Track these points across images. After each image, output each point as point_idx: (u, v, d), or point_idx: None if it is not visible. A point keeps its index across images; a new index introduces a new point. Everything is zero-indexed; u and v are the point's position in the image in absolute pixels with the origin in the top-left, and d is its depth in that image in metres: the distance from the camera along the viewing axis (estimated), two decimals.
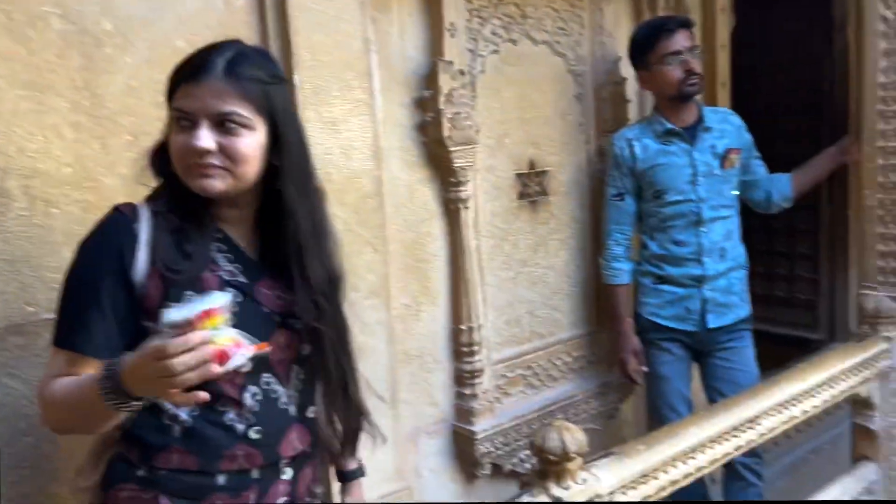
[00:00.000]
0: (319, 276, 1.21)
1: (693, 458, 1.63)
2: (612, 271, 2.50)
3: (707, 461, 1.66)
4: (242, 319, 1.05)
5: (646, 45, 2.37)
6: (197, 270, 1.11)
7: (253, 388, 1.18)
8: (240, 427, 1.16)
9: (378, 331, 2.03)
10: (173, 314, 0.93)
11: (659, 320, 2.47)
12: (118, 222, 1.10)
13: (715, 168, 2.41)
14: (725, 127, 2.47)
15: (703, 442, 1.65)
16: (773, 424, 1.85)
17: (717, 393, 2.48)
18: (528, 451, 2.42)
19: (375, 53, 2.03)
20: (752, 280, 4.27)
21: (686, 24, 2.38)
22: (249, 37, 1.72)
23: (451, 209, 2.23)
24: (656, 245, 2.45)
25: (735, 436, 1.73)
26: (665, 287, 2.45)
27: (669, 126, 2.40)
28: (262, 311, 1.19)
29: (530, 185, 2.45)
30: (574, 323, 2.63)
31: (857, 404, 2.26)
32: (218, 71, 1.07)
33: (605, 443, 2.82)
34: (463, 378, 2.29)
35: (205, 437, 1.14)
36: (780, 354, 4.06)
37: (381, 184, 2.03)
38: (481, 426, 2.27)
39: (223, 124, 1.08)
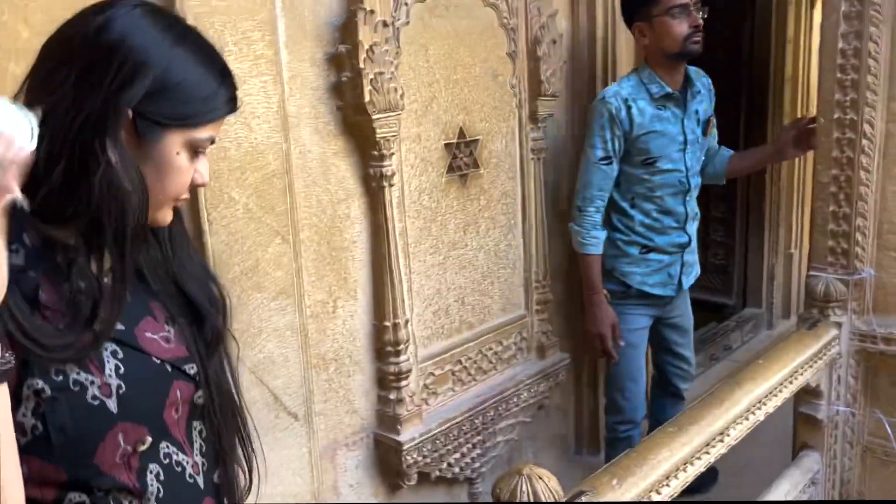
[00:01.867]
0: (202, 301, 0.95)
1: (667, 485, 1.42)
2: (592, 240, 2.33)
3: (679, 485, 1.46)
4: (130, 382, 0.80)
5: None
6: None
7: (153, 467, 0.86)
8: None
9: (288, 336, 1.70)
10: None
11: (647, 289, 2.40)
12: None
13: (699, 135, 2.37)
14: (704, 91, 2.42)
15: (677, 465, 1.44)
16: (740, 433, 1.67)
17: (674, 345, 2.59)
18: (458, 456, 2.18)
19: None
20: None
21: None
22: None
23: (373, 187, 1.89)
24: (642, 214, 2.35)
25: (707, 452, 1.54)
26: (652, 256, 2.38)
27: (668, 90, 2.28)
28: (153, 364, 0.86)
29: (460, 157, 2.14)
30: (504, 308, 2.37)
31: (804, 392, 2.13)
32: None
33: (535, 434, 2.63)
34: (387, 380, 1.99)
35: None
36: (696, 320, 4.03)
37: (290, 159, 1.67)
38: (408, 435, 2.00)
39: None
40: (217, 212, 1.53)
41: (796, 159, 3.89)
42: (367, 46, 1.75)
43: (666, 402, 2.67)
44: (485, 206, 2.24)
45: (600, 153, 2.27)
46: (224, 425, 0.97)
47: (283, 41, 1.67)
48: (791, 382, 1.91)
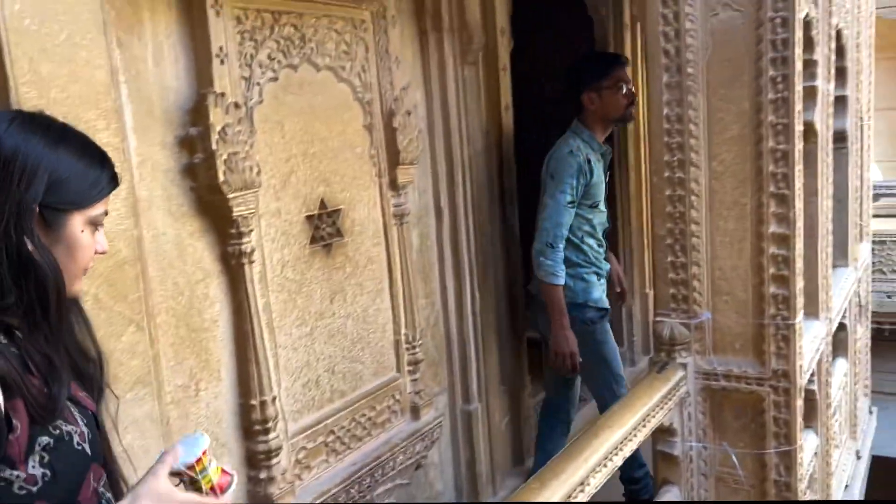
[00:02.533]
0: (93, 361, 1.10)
1: None
2: (561, 272, 2.72)
3: None
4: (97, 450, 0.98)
5: (603, 71, 2.80)
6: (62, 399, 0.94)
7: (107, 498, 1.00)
8: None
9: (148, 427, 1.65)
10: (185, 457, 0.96)
11: (605, 305, 2.90)
12: None
13: None
14: None
15: None
16: (600, 480, 1.77)
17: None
18: None
19: (126, 85, 1.64)
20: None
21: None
22: None
23: (233, 265, 1.89)
24: (589, 248, 2.84)
25: None
26: (601, 280, 2.90)
27: (605, 148, 2.89)
28: (91, 415, 1.02)
29: (322, 227, 2.17)
30: (376, 372, 2.40)
31: (660, 432, 2.28)
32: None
33: (414, 494, 2.64)
34: (256, 460, 1.96)
35: None
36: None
37: (142, 244, 1.64)
38: None
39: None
40: None
41: (644, 205, 4.19)
42: (218, 128, 1.76)
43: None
44: (351, 273, 2.28)
45: (569, 197, 2.70)
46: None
47: (132, 127, 1.66)
48: (645, 425, 2.04)
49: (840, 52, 3.03)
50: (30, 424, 0.87)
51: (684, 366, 2.30)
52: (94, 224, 1.00)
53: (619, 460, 1.86)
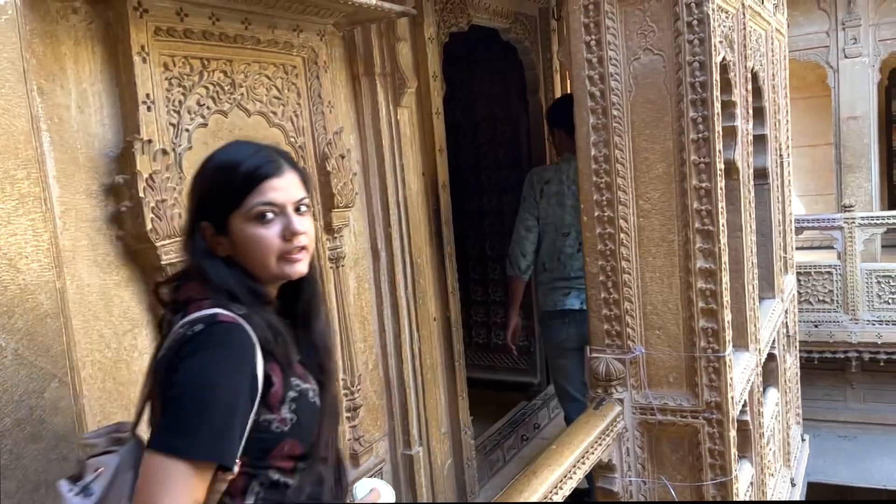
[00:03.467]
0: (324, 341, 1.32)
1: None
2: None
3: None
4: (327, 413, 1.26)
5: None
6: (295, 356, 1.24)
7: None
8: None
9: None
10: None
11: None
12: (244, 336, 1.13)
13: None
14: None
15: None
16: None
17: None
18: None
19: (48, 133, 1.60)
20: (472, 330, 4.49)
21: None
22: None
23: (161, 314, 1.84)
24: None
25: None
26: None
27: None
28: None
29: None
30: None
31: (599, 468, 2.29)
32: (287, 165, 1.23)
33: None
34: None
35: None
36: (503, 401, 4.20)
37: (65, 296, 1.59)
38: None
39: (298, 209, 1.22)
40: None
41: None
42: (146, 175, 1.73)
43: None
44: None
45: None
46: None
47: (54, 175, 1.62)
48: (584, 462, 2.05)
49: (757, 92, 3.18)
50: (283, 382, 1.16)
51: (621, 401, 2.33)
52: (260, 216, 1.17)
53: (559, 497, 1.86)
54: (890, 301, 5.90)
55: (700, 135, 2.18)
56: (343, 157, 2.42)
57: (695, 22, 2.14)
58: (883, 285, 5.91)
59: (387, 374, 2.77)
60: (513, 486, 1.78)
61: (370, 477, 2.49)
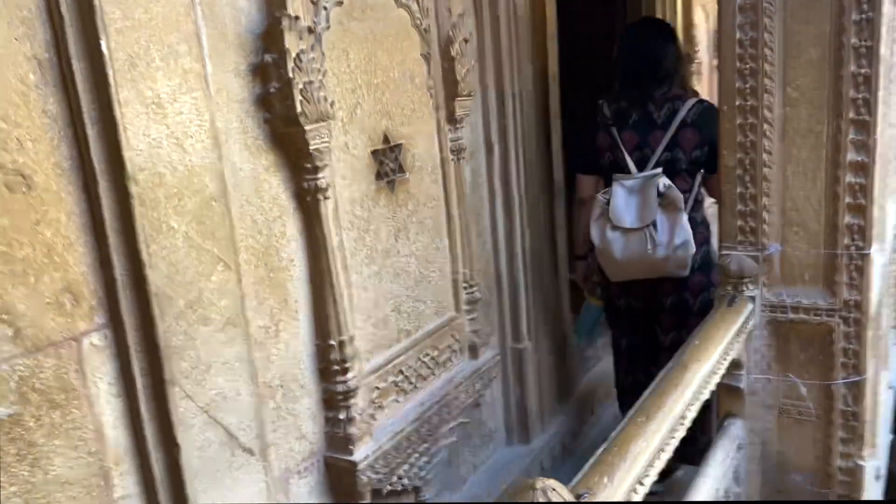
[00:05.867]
0: None
1: (648, 475, 1.45)
2: None
3: (655, 471, 1.50)
4: None
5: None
6: None
7: None
8: None
9: (238, 368, 1.59)
10: None
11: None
12: None
13: None
14: None
15: (653, 453, 1.48)
16: (693, 414, 1.74)
17: None
18: (406, 467, 2.13)
19: (200, 6, 1.52)
20: None
21: None
22: None
23: (307, 201, 1.81)
24: None
25: (672, 437, 1.59)
26: None
27: None
28: None
29: (387, 163, 2.09)
30: (437, 312, 2.35)
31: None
32: None
33: (471, 433, 2.63)
34: (335, 401, 1.91)
35: None
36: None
37: (225, 179, 1.56)
38: (361, 454, 1.93)
39: None
40: (157, 244, 1.40)
41: None
42: (294, 55, 1.66)
43: None
44: (413, 211, 2.20)
45: None
46: None
47: (207, 53, 1.55)
48: (725, 358, 2.01)
49: None
50: None
51: (752, 299, 2.27)
52: None
53: (706, 394, 1.83)
54: None
55: (863, 15, 2.01)
56: (466, 41, 2.30)
57: None
58: None
59: (497, 270, 2.73)
60: (666, 379, 1.75)
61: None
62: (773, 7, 2.10)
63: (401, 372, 2.16)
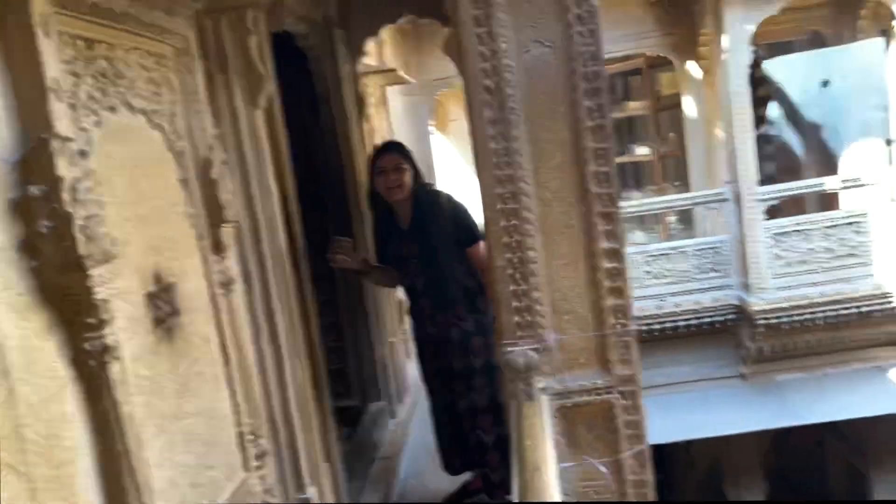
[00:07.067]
0: None
1: None
2: None
3: None
4: None
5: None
6: None
7: None
8: None
9: None
10: None
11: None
12: None
13: None
14: None
15: None
16: None
17: None
18: None
19: None
20: None
21: None
22: None
23: (90, 366, 1.40)
24: None
25: None
26: None
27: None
28: None
29: (162, 307, 1.74)
30: (229, 476, 1.98)
31: None
32: None
33: None
34: None
35: None
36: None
37: None
38: None
39: None
40: None
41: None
42: (68, 184, 1.31)
43: None
44: (195, 359, 1.86)
45: None
46: None
47: None
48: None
49: None
50: None
51: (543, 389, 2.34)
52: None
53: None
54: None
55: (595, 122, 2.28)
56: (226, 163, 2.08)
57: (584, 14, 2.24)
58: None
59: (270, 412, 2.43)
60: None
61: None
62: (519, 118, 2.28)
63: None
